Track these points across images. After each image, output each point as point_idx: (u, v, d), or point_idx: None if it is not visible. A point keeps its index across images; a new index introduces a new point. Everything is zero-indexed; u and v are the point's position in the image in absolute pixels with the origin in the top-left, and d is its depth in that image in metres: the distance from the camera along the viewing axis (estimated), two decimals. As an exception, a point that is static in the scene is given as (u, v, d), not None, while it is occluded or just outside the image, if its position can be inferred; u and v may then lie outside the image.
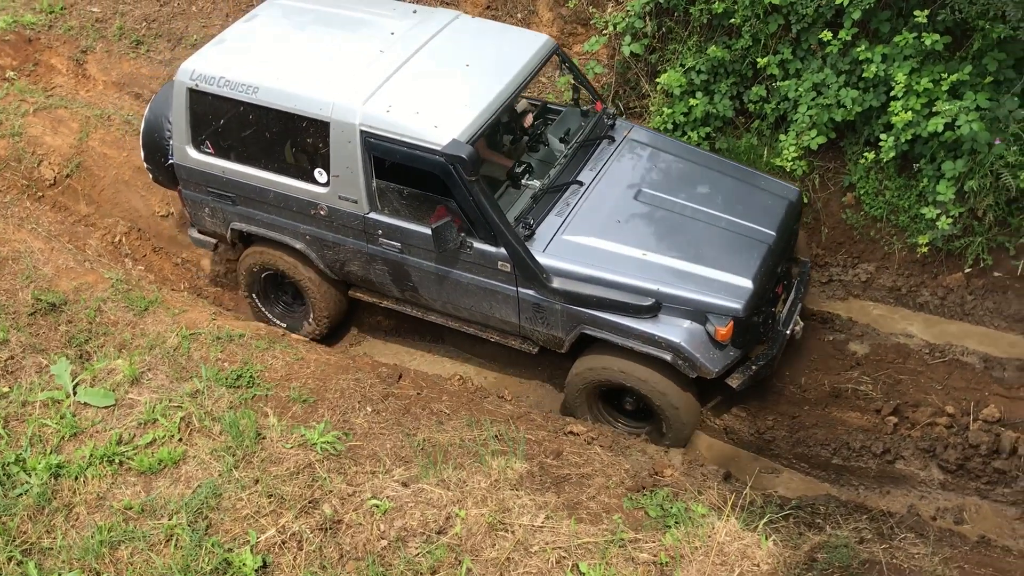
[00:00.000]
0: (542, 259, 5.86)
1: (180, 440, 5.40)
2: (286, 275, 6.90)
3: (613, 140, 6.61)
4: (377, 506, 4.90)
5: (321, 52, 6.35)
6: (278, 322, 7.23)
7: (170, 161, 6.74)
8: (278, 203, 6.45)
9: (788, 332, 6.20)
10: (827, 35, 6.68)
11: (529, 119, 6.75)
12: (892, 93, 6.44)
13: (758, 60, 7.05)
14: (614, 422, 6.29)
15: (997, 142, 6.16)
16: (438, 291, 6.35)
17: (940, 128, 6.20)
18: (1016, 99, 6.15)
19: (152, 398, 5.65)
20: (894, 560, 4.74)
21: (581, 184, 6.25)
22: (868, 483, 5.95)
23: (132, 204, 8.19)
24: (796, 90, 6.96)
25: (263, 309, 7.28)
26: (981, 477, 5.83)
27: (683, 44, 7.44)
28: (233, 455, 5.25)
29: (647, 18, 7.47)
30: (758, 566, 4.57)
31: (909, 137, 6.44)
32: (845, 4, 6.47)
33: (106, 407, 5.62)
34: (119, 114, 8.65)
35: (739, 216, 6.08)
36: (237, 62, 6.32)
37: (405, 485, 5.02)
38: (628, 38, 7.57)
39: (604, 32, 7.76)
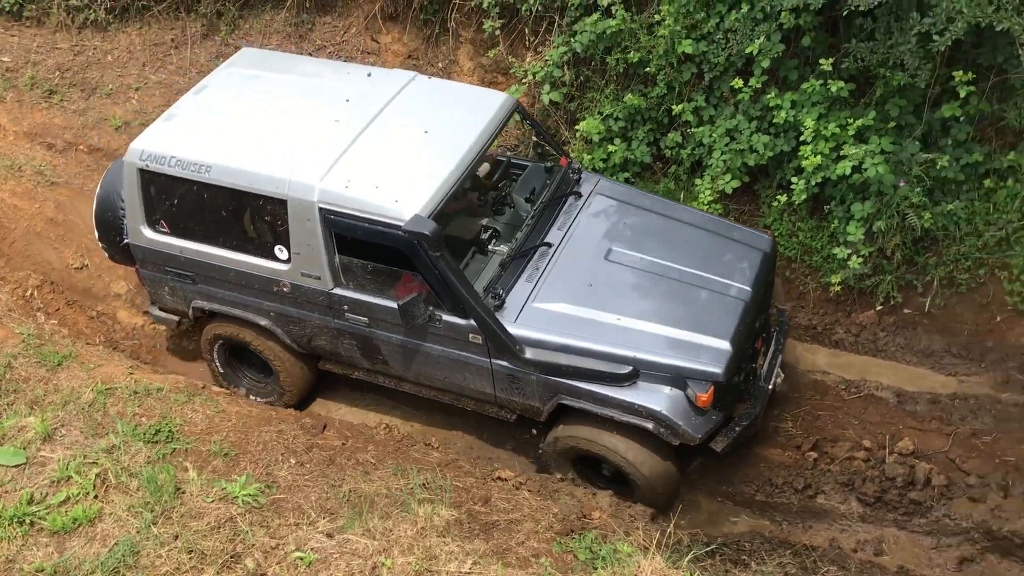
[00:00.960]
0: (514, 330, 5.67)
1: (95, 497, 5.21)
2: (252, 348, 6.69)
3: (580, 195, 6.44)
4: (301, 558, 4.79)
5: (274, 123, 6.14)
6: (234, 387, 6.99)
7: (125, 240, 6.53)
8: (239, 281, 6.25)
9: (770, 387, 6.06)
10: (738, 83, 6.90)
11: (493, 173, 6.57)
12: (802, 138, 6.67)
13: (673, 107, 7.24)
14: (599, 488, 6.00)
15: (902, 184, 6.42)
16: (409, 363, 6.17)
17: (848, 171, 6.43)
18: (917, 143, 6.44)
19: (66, 455, 5.46)
20: (818, 593, 4.82)
21: (550, 246, 6.08)
22: (791, 518, 6.04)
23: (44, 256, 7.97)
24: (710, 136, 7.16)
25: (222, 375, 7.03)
26: (898, 508, 5.98)
27: (601, 92, 7.61)
28: (151, 511, 5.09)
29: (565, 67, 7.63)
30: (686, 604, 4.59)
31: (819, 180, 6.66)
32: (755, 53, 6.71)
33: (16, 466, 5.40)
34: (31, 165, 8.45)
35: (713, 272, 5.91)
36: (188, 139, 6.09)
37: (330, 536, 4.93)
38: (547, 87, 7.72)
39: (524, 81, 7.89)
